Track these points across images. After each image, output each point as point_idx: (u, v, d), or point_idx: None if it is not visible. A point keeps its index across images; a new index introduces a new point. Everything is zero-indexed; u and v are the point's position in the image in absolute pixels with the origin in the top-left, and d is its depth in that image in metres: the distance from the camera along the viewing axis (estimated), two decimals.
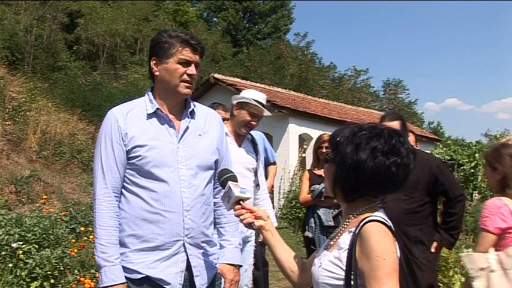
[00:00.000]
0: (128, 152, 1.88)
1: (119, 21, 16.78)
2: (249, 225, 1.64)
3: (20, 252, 4.09)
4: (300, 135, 12.42)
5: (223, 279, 2.03)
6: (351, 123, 1.50)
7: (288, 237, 8.41)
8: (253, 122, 3.25)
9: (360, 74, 28.24)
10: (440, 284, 4.30)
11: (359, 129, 1.44)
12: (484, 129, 51.65)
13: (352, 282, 1.33)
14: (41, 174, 8.44)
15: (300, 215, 9.16)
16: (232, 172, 1.79)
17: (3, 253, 4.13)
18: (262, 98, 3.32)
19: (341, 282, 1.36)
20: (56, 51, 15.35)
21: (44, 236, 4.47)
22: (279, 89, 15.51)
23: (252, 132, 3.41)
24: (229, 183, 1.70)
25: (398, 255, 1.37)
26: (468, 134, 69.58)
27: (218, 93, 12.78)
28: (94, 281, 3.98)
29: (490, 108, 58.46)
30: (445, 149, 11.38)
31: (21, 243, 4.15)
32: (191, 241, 1.91)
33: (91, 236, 4.86)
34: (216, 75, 13.67)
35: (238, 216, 1.66)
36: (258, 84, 14.70)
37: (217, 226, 2.09)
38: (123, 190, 1.91)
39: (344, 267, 1.36)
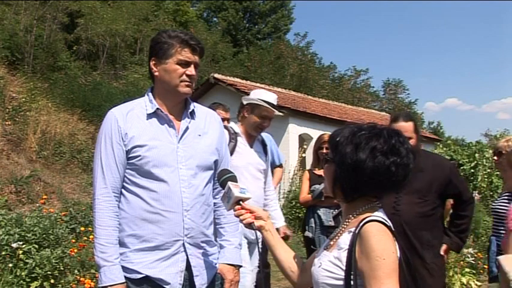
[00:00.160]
0: (127, 152, 1.88)
1: (119, 21, 16.77)
2: (249, 226, 1.64)
3: (20, 252, 4.09)
4: (300, 135, 12.43)
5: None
6: (350, 123, 1.50)
7: None
8: (264, 124, 3.23)
9: (360, 74, 28.25)
10: None
11: (358, 129, 1.44)
12: (484, 129, 51.71)
13: (352, 282, 1.33)
14: (41, 174, 8.44)
15: (300, 215, 9.15)
16: (232, 172, 1.79)
17: (3, 253, 4.13)
18: (273, 98, 3.28)
19: (341, 282, 1.36)
20: (56, 51, 15.34)
21: (44, 236, 4.47)
22: (279, 89, 15.49)
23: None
24: (229, 183, 1.70)
25: (398, 255, 1.37)
26: (468, 134, 69.74)
27: (218, 93, 12.78)
28: (94, 281, 3.98)
29: (490, 108, 58.54)
30: (445, 149, 11.40)
31: (21, 243, 4.15)
32: (191, 241, 1.91)
33: (91, 236, 4.86)
34: (216, 75, 13.66)
35: (238, 216, 1.66)
36: (258, 84, 14.68)
37: (217, 226, 2.09)
38: (123, 190, 1.91)
39: (344, 267, 1.36)
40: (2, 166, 8.17)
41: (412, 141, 2.82)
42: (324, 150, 4.20)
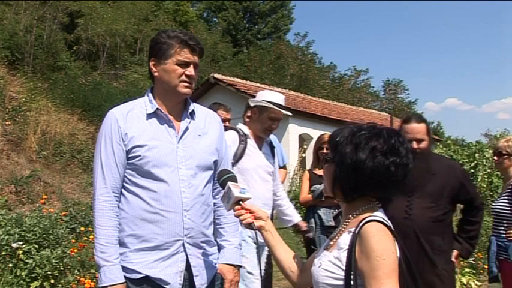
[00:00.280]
0: (127, 152, 1.88)
1: (119, 21, 16.79)
2: (249, 226, 1.64)
3: (20, 252, 4.09)
4: (300, 135, 12.44)
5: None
6: (350, 123, 1.50)
7: (288, 237, 8.39)
8: (273, 126, 3.20)
9: (360, 74, 28.30)
10: None
11: (358, 129, 1.44)
12: (484, 129, 51.72)
13: (352, 283, 1.33)
14: (41, 174, 8.45)
15: (300, 215, 9.14)
16: (231, 172, 1.79)
17: (3, 253, 4.13)
18: (280, 99, 3.23)
19: (341, 283, 1.36)
20: (56, 51, 15.36)
21: (44, 236, 4.47)
22: (279, 89, 15.47)
23: None
24: (229, 183, 1.70)
25: (398, 255, 1.36)
26: (468, 134, 69.71)
27: (218, 93, 12.80)
28: (94, 281, 3.98)
29: (490, 108, 58.54)
30: (445, 149, 11.39)
31: (21, 243, 4.15)
32: (191, 241, 1.91)
33: (91, 236, 4.86)
34: (216, 75, 13.69)
35: (238, 216, 1.66)
36: (258, 84, 14.70)
37: (217, 226, 2.09)
38: (122, 190, 1.91)
39: (344, 268, 1.36)
40: (2, 166, 8.18)
41: (424, 143, 2.79)
42: (324, 150, 4.20)
